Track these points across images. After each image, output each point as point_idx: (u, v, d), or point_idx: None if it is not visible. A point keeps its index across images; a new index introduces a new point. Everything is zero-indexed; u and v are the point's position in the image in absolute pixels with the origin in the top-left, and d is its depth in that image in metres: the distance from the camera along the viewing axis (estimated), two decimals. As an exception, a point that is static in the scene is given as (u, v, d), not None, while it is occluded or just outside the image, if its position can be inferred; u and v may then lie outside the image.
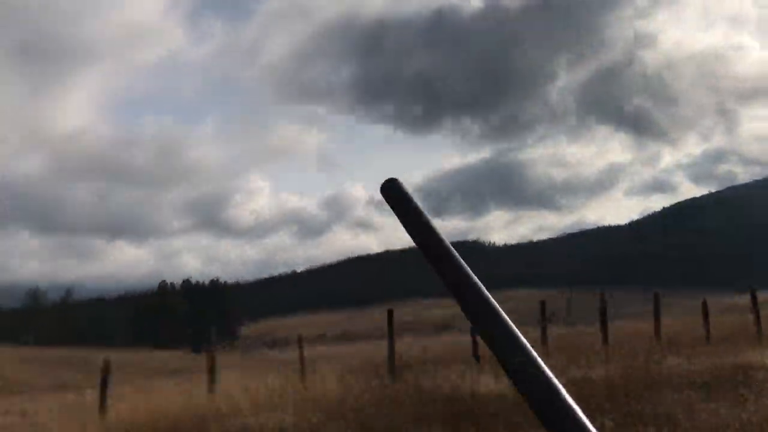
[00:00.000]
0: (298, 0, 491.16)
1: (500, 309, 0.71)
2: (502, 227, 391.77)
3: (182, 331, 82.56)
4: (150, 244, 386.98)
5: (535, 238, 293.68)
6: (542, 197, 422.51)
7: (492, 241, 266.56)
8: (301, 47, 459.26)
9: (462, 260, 0.74)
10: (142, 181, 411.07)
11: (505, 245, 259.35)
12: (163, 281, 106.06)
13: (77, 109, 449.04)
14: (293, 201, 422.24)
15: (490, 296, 0.71)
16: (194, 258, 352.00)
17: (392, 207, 0.79)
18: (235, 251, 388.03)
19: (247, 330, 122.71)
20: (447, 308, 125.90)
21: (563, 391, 0.68)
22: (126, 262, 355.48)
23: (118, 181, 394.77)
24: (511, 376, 0.67)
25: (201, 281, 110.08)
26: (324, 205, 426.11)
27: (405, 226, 0.77)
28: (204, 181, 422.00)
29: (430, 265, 0.73)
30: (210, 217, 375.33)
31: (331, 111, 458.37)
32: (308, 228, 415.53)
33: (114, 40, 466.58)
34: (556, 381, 0.68)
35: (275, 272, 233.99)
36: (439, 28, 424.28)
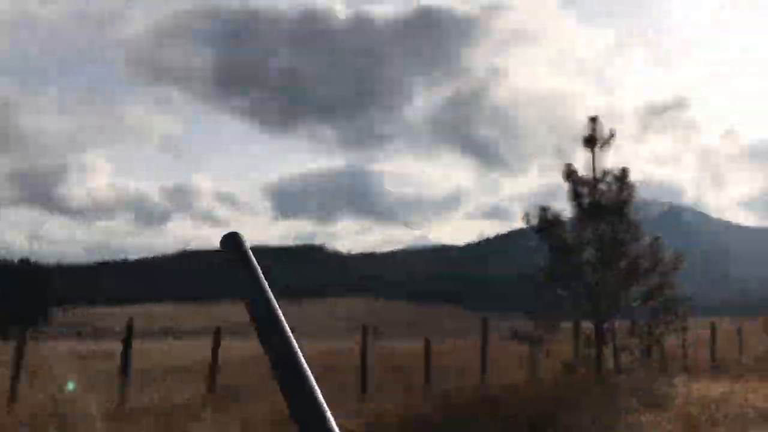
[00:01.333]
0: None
1: (316, 387, 0.68)
2: (351, 236, 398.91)
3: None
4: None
5: (379, 250, 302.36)
6: (391, 211, 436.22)
7: (336, 249, 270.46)
8: (162, 25, 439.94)
9: (288, 330, 0.71)
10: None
11: (348, 253, 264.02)
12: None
13: None
14: (134, 185, 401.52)
15: (309, 374, 0.68)
16: (16, 234, 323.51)
17: (228, 262, 0.76)
18: (65, 231, 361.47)
19: (63, 317, 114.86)
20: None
21: None
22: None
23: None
24: None
25: (9, 259, 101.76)
26: (167, 194, 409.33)
27: (238, 284, 0.74)
28: (38, 153, 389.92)
29: (254, 330, 0.71)
30: (40, 192, 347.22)
31: (185, 96, 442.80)
32: (148, 215, 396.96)
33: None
34: None
35: (107, 258, 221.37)
36: (308, 30, 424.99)
